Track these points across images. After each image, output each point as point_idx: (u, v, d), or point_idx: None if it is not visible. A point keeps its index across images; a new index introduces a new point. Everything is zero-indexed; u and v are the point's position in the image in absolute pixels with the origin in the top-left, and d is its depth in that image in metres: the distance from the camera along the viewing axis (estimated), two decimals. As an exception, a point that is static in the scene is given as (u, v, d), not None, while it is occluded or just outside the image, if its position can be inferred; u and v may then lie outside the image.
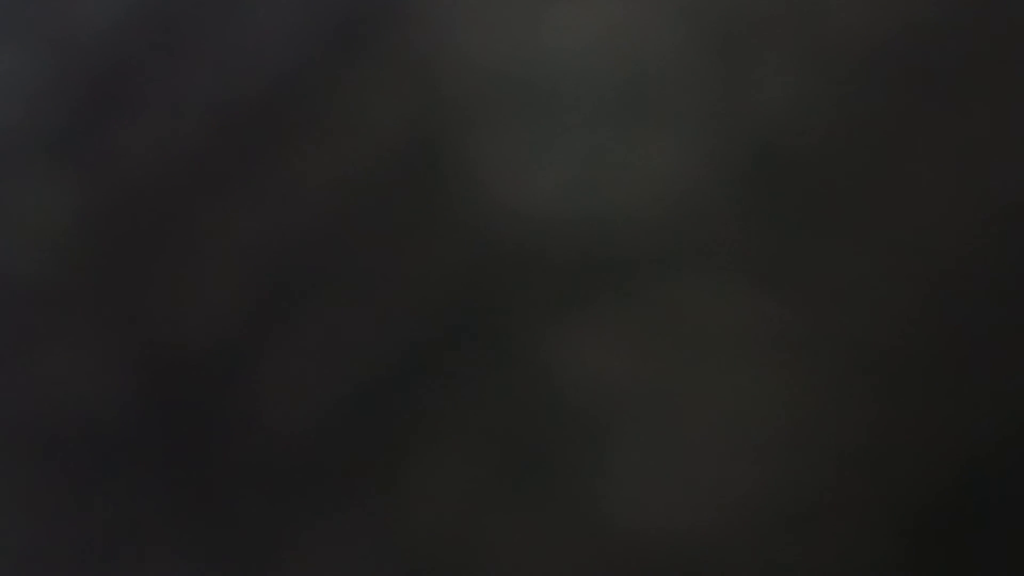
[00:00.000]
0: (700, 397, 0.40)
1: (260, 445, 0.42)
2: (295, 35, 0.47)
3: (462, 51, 0.45)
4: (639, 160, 0.43)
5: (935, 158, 0.41)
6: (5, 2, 0.50)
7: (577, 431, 0.40)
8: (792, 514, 0.39)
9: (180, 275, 0.45)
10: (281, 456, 0.42)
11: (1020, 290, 0.39)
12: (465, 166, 0.44)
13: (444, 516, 0.40)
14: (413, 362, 0.42)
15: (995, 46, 0.42)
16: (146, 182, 0.46)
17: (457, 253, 0.43)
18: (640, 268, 0.42)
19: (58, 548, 0.43)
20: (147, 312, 0.45)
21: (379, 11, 0.46)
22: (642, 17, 0.44)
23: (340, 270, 0.44)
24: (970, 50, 0.42)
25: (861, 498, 0.38)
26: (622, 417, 0.40)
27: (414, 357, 0.42)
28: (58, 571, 0.43)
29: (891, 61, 0.42)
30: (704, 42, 0.43)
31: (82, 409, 0.44)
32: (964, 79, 0.41)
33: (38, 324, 0.45)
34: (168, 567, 0.42)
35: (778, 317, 0.40)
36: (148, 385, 0.44)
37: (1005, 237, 0.40)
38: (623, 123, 0.43)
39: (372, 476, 0.41)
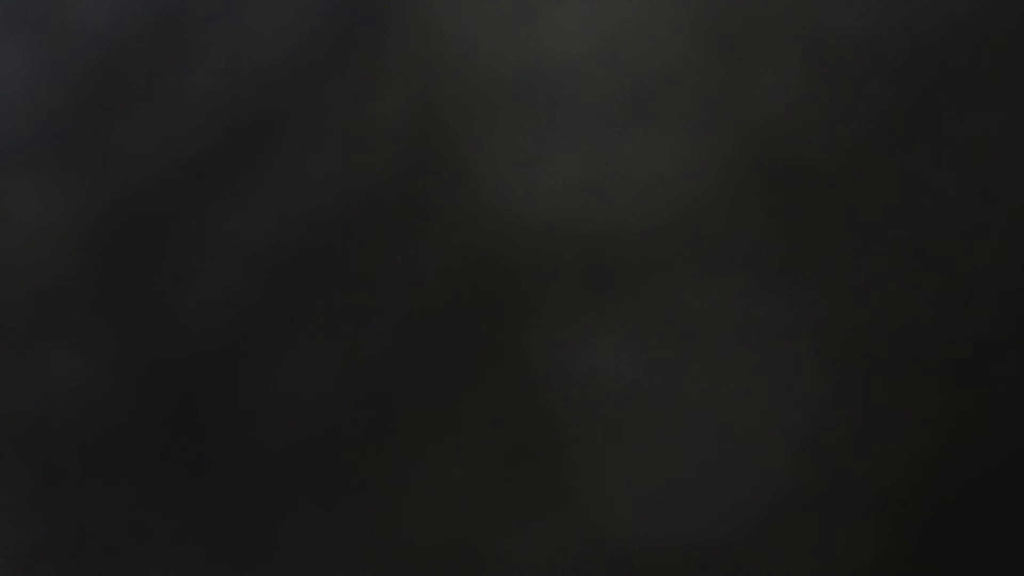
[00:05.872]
0: (704, 400, 0.40)
1: (260, 444, 0.42)
2: (295, 35, 0.47)
3: (463, 52, 0.45)
4: (641, 162, 0.43)
5: (937, 158, 0.41)
6: (5, 2, 0.50)
7: (580, 433, 0.40)
8: (796, 515, 0.39)
9: (180, 275, 0.45)
10: (281, 456, 0.42)
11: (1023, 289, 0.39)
12: (466, 168, 0.44)
13: (445, 516, 0.40)
14: (414, 363, 0.42)
15: (996, 46, 0.42)
16: (146, 182, 0.46)
17: (459, 254, 0.43)
18: (642, 270, 0.42)
19: (58, 547, 0.43)
20: (147, 312, 0.45)
21: (379, 11, 0.46)
22: (645, 18, 0.44)
23: (340, 270, 0.44)
24: (970, 50, 0.42)
25: (866, 498, 0.38)
26: (624, 418, 0.40)
27: (415, 358, 0.42)
28: (58, 570, 0.43)
29: (892, 62, 0.42)
30: (707, 44, 0.43)
31: (82, 409, 0.44)
32: (965, 79, 0.41)
33: (38, 324, 0.45)
34: (168, 566, 0.42)
35: (782, 319, 0.40)
36: (148, 384, 0.44)
37: (1008, 236, 0.40)
38: (626, 125, 0.43)
39: (373, 476, 0.41)
